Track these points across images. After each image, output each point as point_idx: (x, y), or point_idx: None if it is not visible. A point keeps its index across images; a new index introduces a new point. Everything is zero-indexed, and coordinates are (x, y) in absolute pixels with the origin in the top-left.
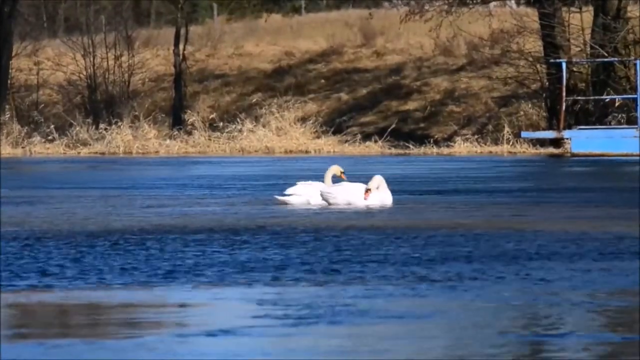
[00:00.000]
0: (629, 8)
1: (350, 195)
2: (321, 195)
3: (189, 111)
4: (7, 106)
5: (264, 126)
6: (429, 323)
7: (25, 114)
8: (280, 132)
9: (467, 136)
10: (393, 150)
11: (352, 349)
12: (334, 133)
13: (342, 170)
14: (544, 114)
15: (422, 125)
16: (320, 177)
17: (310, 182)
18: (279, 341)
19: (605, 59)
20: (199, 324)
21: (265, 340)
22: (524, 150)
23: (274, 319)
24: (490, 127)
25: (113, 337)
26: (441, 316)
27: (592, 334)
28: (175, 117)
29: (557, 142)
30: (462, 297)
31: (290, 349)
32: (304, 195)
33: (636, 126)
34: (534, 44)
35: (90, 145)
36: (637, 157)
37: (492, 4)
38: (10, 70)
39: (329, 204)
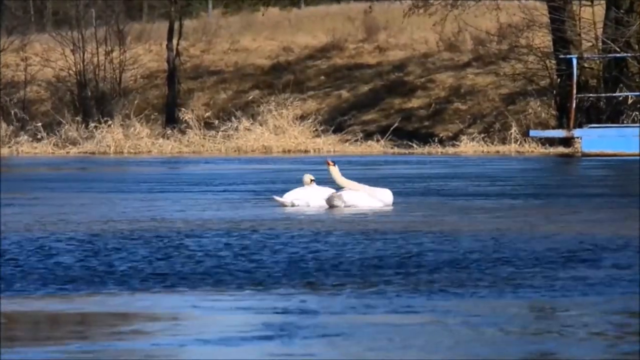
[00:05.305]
0: None
1: (354, 198)
2: (329, 198)
3: (183, 109)
4: None
5: (261, 125)
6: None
7: (12, 112)
8: (278, 130)
9: (474, 135)
10: (396, 150)
11: None
12: (334, 132)
13: (313, 178)
14: (554, 111)
15: (426, 123)
16: (318, 179)
17: (310, 185)
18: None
19: (618, 55)
20: (187, 332)
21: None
22: (533, 149)
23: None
24: (497, 125)
25: (106, 343)
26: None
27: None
28: (168, 116)
29: (567, 142)
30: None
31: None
32: (303, 197)
33: None
34: (543, 39)
35: (79, 144)
36: None
37: None
38: None
39: (332, 206)
